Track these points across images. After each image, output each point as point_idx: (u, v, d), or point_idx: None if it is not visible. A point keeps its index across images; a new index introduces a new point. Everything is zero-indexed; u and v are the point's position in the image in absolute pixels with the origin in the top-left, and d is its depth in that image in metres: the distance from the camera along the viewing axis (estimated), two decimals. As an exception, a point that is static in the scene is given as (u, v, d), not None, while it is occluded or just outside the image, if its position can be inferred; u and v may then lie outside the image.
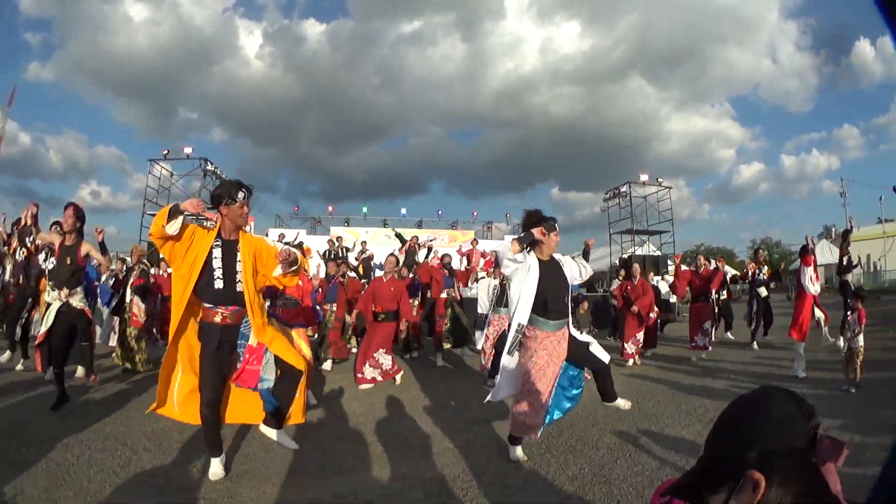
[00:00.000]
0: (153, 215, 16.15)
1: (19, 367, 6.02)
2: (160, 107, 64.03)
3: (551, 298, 3.43)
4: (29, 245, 6.03)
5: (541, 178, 79.87)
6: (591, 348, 3.58)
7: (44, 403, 4.67)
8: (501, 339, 5.50)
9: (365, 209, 21.46)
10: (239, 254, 3.16)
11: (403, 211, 21.69)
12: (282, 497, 3.03)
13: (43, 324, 4.61)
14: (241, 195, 3.15)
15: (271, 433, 3.37)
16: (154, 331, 7.21)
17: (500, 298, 6.12)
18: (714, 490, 0.79)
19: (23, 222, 5.81)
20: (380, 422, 4.54)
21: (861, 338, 5.51)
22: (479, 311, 6.81)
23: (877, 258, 20.14)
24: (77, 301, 4.64)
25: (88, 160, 63.60)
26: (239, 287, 3.13)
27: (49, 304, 4.72)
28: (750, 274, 9.21)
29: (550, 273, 3.50)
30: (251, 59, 59.50)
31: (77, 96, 61.78)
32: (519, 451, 3.58)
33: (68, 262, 4.58)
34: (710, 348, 7.72)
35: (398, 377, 6.04)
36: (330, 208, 22.15)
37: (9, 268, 6.81)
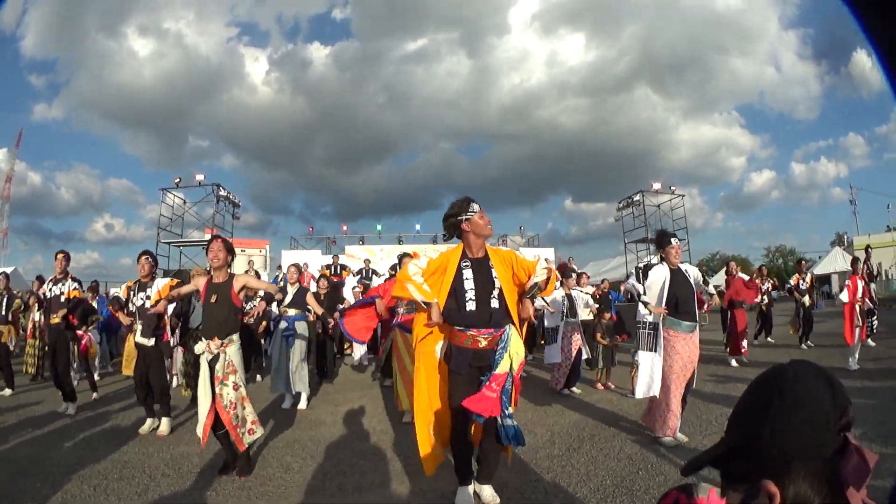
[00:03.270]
0: (168, 244, 16.53)
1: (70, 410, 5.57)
2: (170, 137, 65.24)
3: (682, 300, 4.10)
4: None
5: (553, 190, 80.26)
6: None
7: (60, 438, 4.64)
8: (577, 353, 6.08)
9: (379, 227, 21.28)
10: (493, 270, 2.97)
11: (418, 227, 21.62)
12: (301, 517, 3.00)
13: (201, 395, 3.64)
14: (475, 206, 3.01)
15: (482, 490, 3.04)
16: None
17: (572, 310, 6.26)
18: (729, 484, 0.73)
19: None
20: (398, 438, 4.48)
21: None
22: (547, 324, 6.67)
23: (887, 266, 20.01)
24: (234, 353, 3.72)
25: (101, 194, 64.44)
26: (494, 304, 2.93)
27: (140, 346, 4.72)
28: (794, 283, 9.78)
29: (678, 279, 4.18)
30: (258, 85, 60.78)
31: (86, 132, 63.02)
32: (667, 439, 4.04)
33: (214, 300, 3.75)
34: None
35: None
36: (344, 228, 22.10)
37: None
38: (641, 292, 4.19)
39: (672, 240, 4.32)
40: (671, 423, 4.01)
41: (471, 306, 2.89)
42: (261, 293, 5.33)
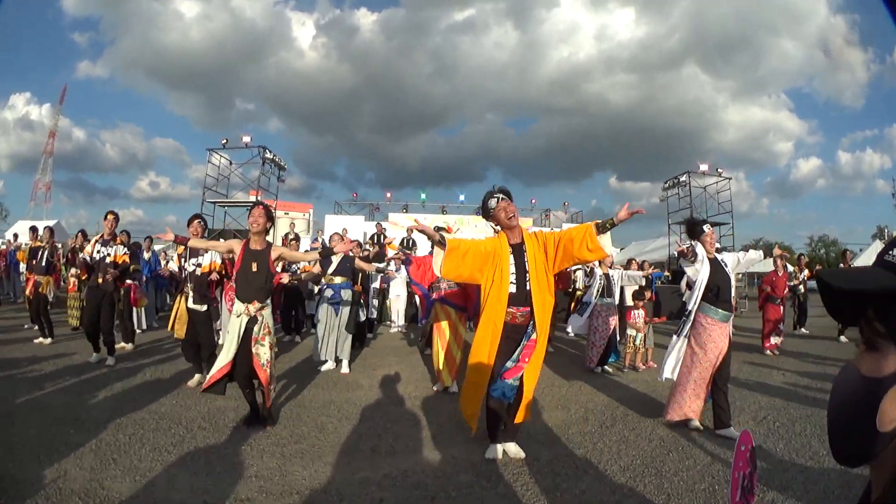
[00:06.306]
0: (213, 203, 16.55)
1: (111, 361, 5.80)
2: (217, 99, 65.66)
3: (722, 288, 3.95)
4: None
5: (598, 167, 79.05)
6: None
7: (97, 388, 4.69)
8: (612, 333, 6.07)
9: (423, 196, 21.29)
10: (526, 254, 3.27)
11: (462, 198, 21.01)
12: (333, 476, 3.03)
13: (225, 349, 3.81)
14: (493, 202, 3.30)
15: (508, 447, 3.37)
16: None
17: (608, 289, 6.27)
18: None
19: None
20: (434, 405, 4.53)
21: (640, 335, 6.41)
22: (584, 298, 6.73)
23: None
24: (269, 315, 3.85)
25: (146, 152, 65.49)
26: (528, 287, 3.22)
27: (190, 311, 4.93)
28: None
29: (716, 267, 4.02)
30: (305, 50, 60.53)
31: (132, 92, 63.95)
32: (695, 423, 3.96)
33: (254, 268, 3.80)
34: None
35: None
36: (388, 195, 22.09)
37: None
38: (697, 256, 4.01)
39: (704, 227, 4.16)
40: (674, 407, 3.99)
41: (511, 289, 3.21)
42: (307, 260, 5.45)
